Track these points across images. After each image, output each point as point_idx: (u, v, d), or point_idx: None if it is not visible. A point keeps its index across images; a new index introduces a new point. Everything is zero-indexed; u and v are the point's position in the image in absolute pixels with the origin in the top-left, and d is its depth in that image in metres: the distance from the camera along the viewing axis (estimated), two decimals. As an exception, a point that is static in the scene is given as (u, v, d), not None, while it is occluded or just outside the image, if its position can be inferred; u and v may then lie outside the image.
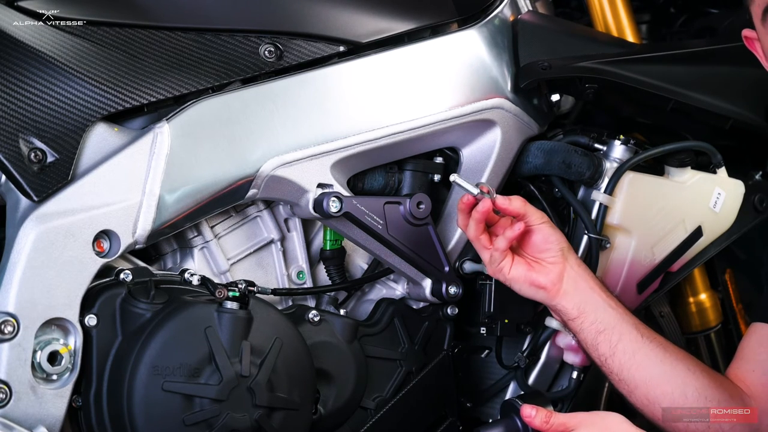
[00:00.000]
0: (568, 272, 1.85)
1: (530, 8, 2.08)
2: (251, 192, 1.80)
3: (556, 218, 2.05)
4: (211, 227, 1.86)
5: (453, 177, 1.82)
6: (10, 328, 1.62)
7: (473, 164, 1.99)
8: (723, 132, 2.11)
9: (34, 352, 1.64)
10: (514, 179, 2.04)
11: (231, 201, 1.79)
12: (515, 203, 1.82)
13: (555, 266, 1.85)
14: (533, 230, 1.85)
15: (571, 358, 2.03)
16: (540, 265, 1.85)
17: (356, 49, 1.90)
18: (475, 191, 1.80)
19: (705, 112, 2.06)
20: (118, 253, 1.70)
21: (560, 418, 1.66)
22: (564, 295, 1.85)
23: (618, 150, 2.03)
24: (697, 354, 2.33)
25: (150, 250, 1.84)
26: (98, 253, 1.69)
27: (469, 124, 1.96)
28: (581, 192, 2.06)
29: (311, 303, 1.94)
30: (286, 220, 1.93)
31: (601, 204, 2.01)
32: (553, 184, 2.05)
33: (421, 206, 1.89)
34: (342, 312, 1.91)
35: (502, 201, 1.81)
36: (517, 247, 1.86)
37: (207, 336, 1.68)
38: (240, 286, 1.74)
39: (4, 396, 1.61)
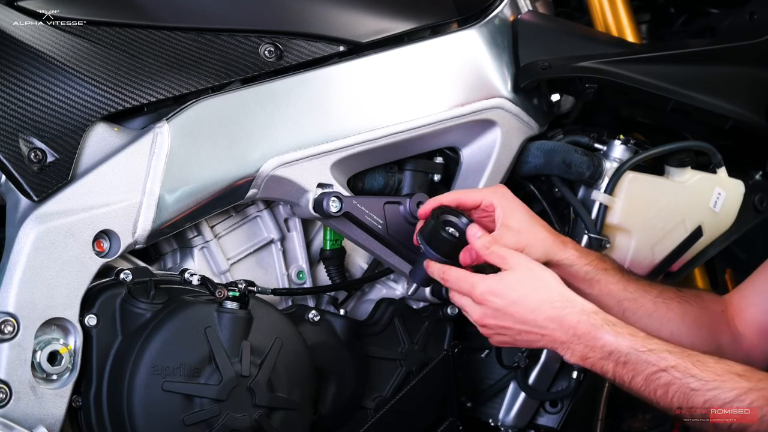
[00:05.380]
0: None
1: (530, 8, 2.08)
2: (251, 192, 1.80)
3: (557, 218, 2.06)
4: (211, 227, 1.86)
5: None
6: (10, 328, 1.62)
7: (473, 164, 1.99)
8: (723, 132, 2.10)
9: (34, 352, 1.64)
10: (514, 179, 2.04)
11: (231, 201, 1.79)
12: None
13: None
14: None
15: (571, 358, 2.03)
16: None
17: (356, 49, 1.90)
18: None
19: (705, 112, 2.06)
20: (118, 253, 1.70)
21: (501, 250, 1.68)
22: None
23: (618, 150, 2.03)
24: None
25: (150, 250, 1.84)
26: (98, 253, 1.69)
27: (469, 124, 1.96)
28: (581, 192, 2.06)
29: (311, 303, 1.94)
30: (286, 220, 1.93)
31: (601, 204, 2.01)
32: (553, 184, 2.05)
33: (421, 206, 1.89)
34: (342, 312, 1.91)
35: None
36: None
37: (207, 336, 1.69)
38: (240, 286, 1.74)
39: (4, 396, 1.61)
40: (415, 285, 1.83)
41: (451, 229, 1.75)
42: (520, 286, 1.65)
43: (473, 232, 1.71)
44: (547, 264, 1.78)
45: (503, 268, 1.68)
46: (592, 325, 1.61)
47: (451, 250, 1.74)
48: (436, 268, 1.74)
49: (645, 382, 1.58)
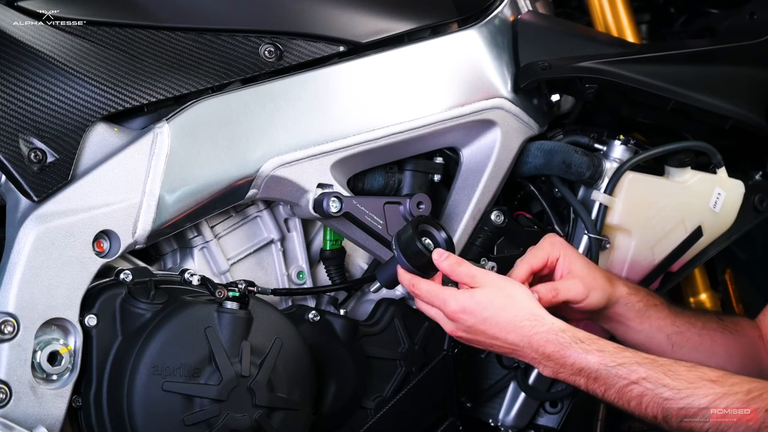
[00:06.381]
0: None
1: (530, 8, 2.08)
2: (251, 192, 1.80)
3: (557, 218, 2.06)
4: (211, 227, 1.86)
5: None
6: (10, 328, 1.62)
7: (473, 164, 1.99)
8: (723, 132, 2.10)
9: (34, 352, 1.64)
10: (514, 179, 2.04)
11: (231, 201, 1.79)
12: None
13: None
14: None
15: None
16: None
17: (356, 49, 1.90)
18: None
19: (705, 112, 2.06)
20: (118, 253, 1.70)
21: (468, 270, 1.69)
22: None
23: (618, 150, 2.03)
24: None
25: (150, 250, 1.84)
26: (98, 253, 1.69)
27: (469, 124, 1.96)
28: (581, 192, 2.06)
29: (311, 303, 1.94)
30: (286, 220, 1.93)
31: (601, 204, 2.01)
32: (553, 184, 2.05)
33: (421, 206, 1.89)
34: (342, 312, 1.91)
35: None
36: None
37: (207, 336, 1.69)
38: (240, 286, 1.74)
39: (4, 396, 1.61)
40: (378, 284, 1.83)
41: (428, 240, 1.76)
42: (490, 304, 1.67)
43: (437, 256, 1.73)
44: (608, 305, 1.83)
45: (473, 286, 1.70)
46: (561, 344, 1.63)
47: (422, 263, 1.75)
48: (406, 279, 1.76)
49: (618, 394, 1.60)
